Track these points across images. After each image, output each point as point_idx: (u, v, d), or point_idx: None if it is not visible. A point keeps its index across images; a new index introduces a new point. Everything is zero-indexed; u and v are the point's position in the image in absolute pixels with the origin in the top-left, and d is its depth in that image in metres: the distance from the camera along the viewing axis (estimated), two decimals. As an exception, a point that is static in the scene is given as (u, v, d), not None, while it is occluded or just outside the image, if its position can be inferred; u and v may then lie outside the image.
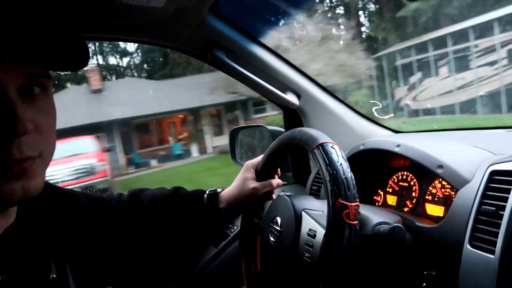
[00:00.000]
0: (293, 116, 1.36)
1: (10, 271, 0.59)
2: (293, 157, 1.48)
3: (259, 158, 1.09)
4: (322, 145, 0.77)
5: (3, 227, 0.64)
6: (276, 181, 1.07)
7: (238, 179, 1.08)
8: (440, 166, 0.87)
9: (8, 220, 0.65)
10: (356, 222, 0.69)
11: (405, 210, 1.07)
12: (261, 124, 1.56)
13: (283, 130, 1.48)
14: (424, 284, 0.82)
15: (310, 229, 0.80)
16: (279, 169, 1.09)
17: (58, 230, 0.76)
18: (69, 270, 0.71)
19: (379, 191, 1.19)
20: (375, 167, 1.17)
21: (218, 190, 1.08)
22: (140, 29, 1.09)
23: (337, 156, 0.74)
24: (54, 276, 0.66)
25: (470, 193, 0.77)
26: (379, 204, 1.18)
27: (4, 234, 0.63)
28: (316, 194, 1.27)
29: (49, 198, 0.82)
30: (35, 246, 0.66)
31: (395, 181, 1.14)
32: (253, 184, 1.05)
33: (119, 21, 1.04)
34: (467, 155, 0.88)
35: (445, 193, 0.97)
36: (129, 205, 1.04)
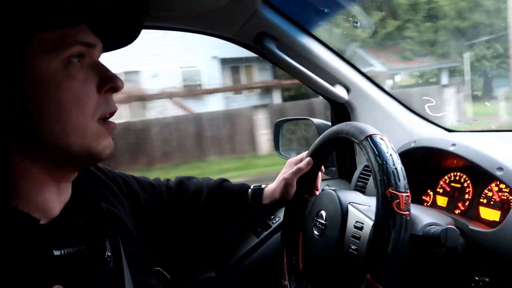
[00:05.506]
0: (341, 110, 1.34)
1: (71, 246, 0.61)
2: (338, 152, 1.45)
3: (302, 155, 1.09)
4: (370, 136, 0.76)
5: (62, 203, 0.66)
6: (305, 162, 1.03)
7: (279, 176, 1.08)
8: (500, 168, 0.82)
9: (66, 196, 0.67)
10: (407, 212, 0.67)
11: (456, 212, 1.03)
12: (307, 117, 1.55)
13: (330, 124, 1.46)
14: (475, 291, 0.79)
15: (357, 222, 0.80)
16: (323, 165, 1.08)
17: (111, 210, 0.78)
18: (122, 248, 0.72)
19: (429, 191, 1.14)
20: (426, 166, 1.13)
21: (263, 186, 1.09)
22: (193, 18, 1.12)
23: (387, 147, 0.74)
24: (109, 254, 0.68)
25: (533, 198, 0.73)
26: (428, 204, 1.13)
27: (63, 210, 0.65)
28: (361, 190, 1.25)
29: (102, 179, 0.86)
30: (91, 224, 0.67)
31: (447, 181, 1.09)
32: (283, 175, 1.04)
33: (173, 11, 1.07)
34: (530, 158, 0.82)
35: (502, 197, 0.91)
36: (175, 192, 1.06)
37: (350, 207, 0.83)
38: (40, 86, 0.56)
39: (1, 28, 0.54)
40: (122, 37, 0.70)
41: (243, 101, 10.51)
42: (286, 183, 1.03)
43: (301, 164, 1.03)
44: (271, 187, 1.07)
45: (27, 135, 0.58)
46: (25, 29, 0.55)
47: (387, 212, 0.67)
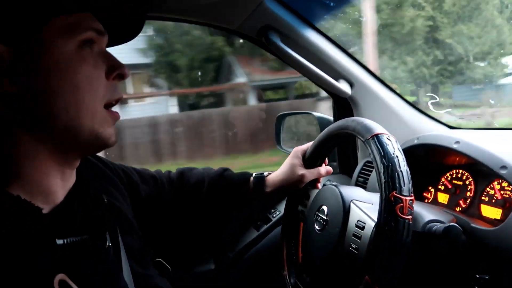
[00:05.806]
0: (344, 105, 1.33)
1: (73, 235, 0.61)
2: (340, 147, 1.45)
3: (308, 144, 1.08)
4: (377, 135, 0.74)
5: (66, 189, 0.66)
6: (326, 168, 1.06)
7: (286, 165, 1.07)
8: (504, 167, 0.82)
9: (69, 183, 0.67)
10: (409, 217, 0.67)
11: (457, 209, 1.03)
12: (309, 112, 1.55)
13: (332, 118, 1.46)
14: (475, 288, 0.79)
15: (358, 221, 0.79)
16: (326, 159, 1.08)
17: (113, 202, 0.78)
18: (121, 240, 0.72)
19: (430, 187, 1.14)
20: (428, 163, 1.13)
21: (265, 173, 1.09)
22: (197, 10, 1.10)
23: (393, 148, 0.72)
24: (110, 244, 0.68)
25: (536, 198, 0.73)
26: (429, 201, 1.13)
27: (67, 197, 0.65)
28: (362, 186, 1.25)
29: (102, 169, 0.86)
30: (91, 213, 0.67)
31: (449, 178, 1.09)
32: (302, 171, 1.04)
33: (178, 2, 1.06)
34: (534, 157, 0.82)
35: (504, 195, 0.91)
36: (176, 184, 1.06)
37: (352, 205, 0.83)
38: (57, 67, 0.58)
39: (20, 12, 0.57)
40: (123, 33, 0.72)
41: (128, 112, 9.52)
42: (302, 179, 1.04)
43: (323, 170, 1.05)
44: (277, 176, 1.07)
45: (41, 113, 0.59)
46: (42, 14, 0.57)
47: (389, 216, 0.66)
